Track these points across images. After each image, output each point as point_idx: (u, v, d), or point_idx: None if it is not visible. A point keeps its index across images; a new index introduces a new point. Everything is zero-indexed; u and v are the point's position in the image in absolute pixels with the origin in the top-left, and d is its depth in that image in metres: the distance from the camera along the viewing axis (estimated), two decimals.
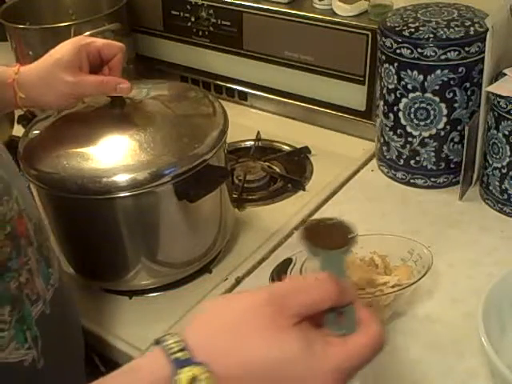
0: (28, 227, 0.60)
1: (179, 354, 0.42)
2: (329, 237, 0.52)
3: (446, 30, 0.92)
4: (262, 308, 0.44)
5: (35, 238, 0.61)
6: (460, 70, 0.92)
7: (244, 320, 0.44)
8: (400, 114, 0.97)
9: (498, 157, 0.91)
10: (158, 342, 0.44)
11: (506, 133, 0.88)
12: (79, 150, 0.78)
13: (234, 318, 0.45)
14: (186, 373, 0.41)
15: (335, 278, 0.46)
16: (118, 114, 0.84)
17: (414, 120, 0.96)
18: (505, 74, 0.91)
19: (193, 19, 1.27)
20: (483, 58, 0.90)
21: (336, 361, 0.43)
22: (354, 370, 0.44)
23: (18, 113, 1.21)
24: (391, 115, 0.99)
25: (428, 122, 0.96)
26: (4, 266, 0.55)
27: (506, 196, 0.92)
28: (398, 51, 0.93)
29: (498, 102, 0.88)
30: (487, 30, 0.87)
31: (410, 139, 0.98)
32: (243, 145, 1.18)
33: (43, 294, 0.61)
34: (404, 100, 0.96)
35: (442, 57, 0.91)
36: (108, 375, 0.44)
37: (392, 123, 0.99)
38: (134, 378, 0.43)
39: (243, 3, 1.20)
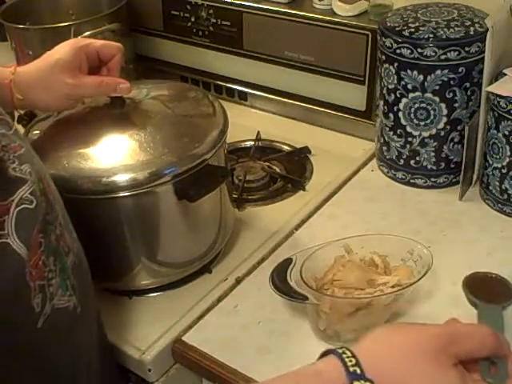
0: (51, 186, 0.64)
1: (355, 368, 0.49)
2: (490, 290, 0.59)
3: (445, 29, 0.92)
4: (430, 344, 0.50)
5: (57, 195, 0.65)
6: (460, 69, 0.92)
7: (412, 351, 0.50)
8: (400, 114, 0.97)
9: (497, 157, 0.91)
10: (331, 352, 0.51)
11: (506, 133, 0.88)
12: (79, 150, 0.78)
13: (404, 346, 0.51)
14: None
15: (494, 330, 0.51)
16: (117, 114, 0.84)
17: (414, 120, 0.96)
18: (505, 74, 0.91)
19: (193, 19, 1.27)
20: (483, 57, 0.90)
21: None
22: None
23: (18, 113, 1.21)
24: (391, 115, 0.99)
25: (428, 121, 0.96)
26: (45, 219, 0.59)
27: (505, 196, 0.92)
28: (398, 51, 0.93)
29: (498, 102, 0.88)
30: (487, 30, 0.87)
31: (410, 139, 0.98)
32: (243, 145, 1.17)
33: (71, 246, 0.65)
34: (404, 100, 0.96)
35: (442, 57, 0.91)
36: (288, 373, 0.51)
37: (392, 123, 0.99)
38: (316, 379, 0.49)
39: (243, 3, 1.20)
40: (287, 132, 1.20)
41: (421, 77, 0.93)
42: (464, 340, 0.51)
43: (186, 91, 0.93)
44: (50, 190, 0.63)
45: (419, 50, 0.91)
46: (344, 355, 0.50)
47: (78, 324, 0.65)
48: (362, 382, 0.48)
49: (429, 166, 0.99)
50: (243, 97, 1.30)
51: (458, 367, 0.50)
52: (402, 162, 1.01)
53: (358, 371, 0.49)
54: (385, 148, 1.03)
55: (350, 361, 0.50)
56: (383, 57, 0.97)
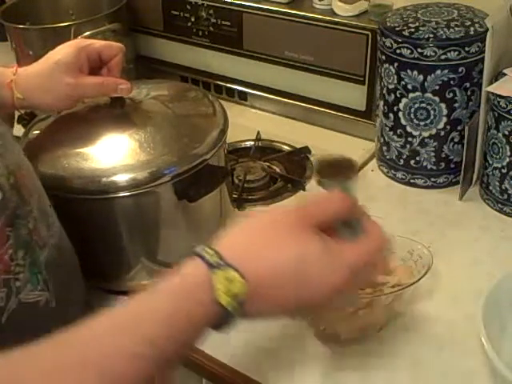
0: (27, 179, 0.64)
1: (215, 259, 0.50)
2: (337, 170, 0.61)
3: (445, 29, 0.92)
4: (287, 217, 0.52)
5: (35, 189, 0.65)
6: (460, 69, 0.92)
7: (272, 227, 0.52)
8: (400, 114, 0.97)
9: (498, 157, 0.91)
10: (194, 253, 0.51)
11: (506, 133, 0.88)
12: (79, 149, 0.78)
13: (263, 226, 0.53)
14: (223, 274, 0.49)
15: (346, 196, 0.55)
16: (117, 114, 0.84)
17: (414, 120, 0.96)
18: (505, 74, 0.91)
19: (193, 19, 1.27)
20: (483, 57, 0.90)
21: (350, 256, 0.53)
22: (364, 265, 0.53)
23: (18, 113, 1.21)
24: (391, 115, 0.99)
25: (428, 122, 0.96)
26: (13, 213, 0.60)
27: (505, 196, 0.92)
28: (397, 51, 0.93)
29: (498, 102, 0.88)
30: (487, 30, 0.87)
31: (410, 139, 0.98)
32: (243, 145, 1.17)
33: (47, 240, 0.65)
34: (404, 100, 0.96)
35: (442, 57, 0.91)
36: (155, 289, 0.50)
37: (392, 123, 0.99)
38: (183, 285, 0.49)
39: (243, 3, 1.20)
40: (287, 132, 1.20)
41: (421, 77, 0.93)
42: (319, 209, 0.54)
43: (186, 91, 0.93)
44: (24, 184, 0.63)
45: (419, 49, 0.91)
46: (203, 252, 0.51)
47: (51, 319, 0.64)
48: (223, 268, 0.49)
49: (429, 166, 0.99)
50: (243, 97, 1.30)
51: (319, 234, 0.52)
52: (401, 161, 1.01)
53: (220, 261, 0.50)
54: (385, 148, 1.03)
55: (209, 253, 0.50)
56: (383, 57, 0.97)
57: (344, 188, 0.57)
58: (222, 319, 0.50)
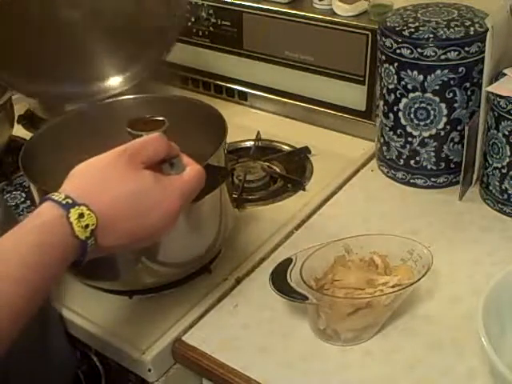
0: None
1: (66, 200, 0.57)
2: (148, 125, 0.70)
3: (445, 29, 0.92)
4: (120, 157, 0.61)
5: None
6: (460, 69, 0.92)
7: (108, 168, 0.61)
8: (400, 114, 0.97)
9: (498, 157, 0.91)
10: (47, 199, 0.58)
11: (506, 133, 0.88)
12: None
13: (100, 168, 0.61)
14: (75, 211, 0.57)
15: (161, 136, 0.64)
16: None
17: (414, 120, 0.96)
18: (505, 74, 0.91)
19: (193, 19, 1.27)
20: (483, 57, 0.90)
21: (179, 185, 0.63)
22: (192, 192, 0.65)
23: (18, 113, 1.21)
24: (391, 115, 0.99)
25: (428, 122, 0.96)
26: None
27: (505, 196, 0.92)
28: (398, 51, 0.93)
29: (498, 102, 0.88)
30: (487, 30, 0.87)
31: (410, 139, 0.98)
32: (243, 145, 1.17)
33: None
34: (404, 100, 0.96)
35: (442, 57, 0.91)
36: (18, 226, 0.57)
37: (392, 123, 0.99)
38: (40, 230, 0.56)
39: (243, 3, 1.20)
40: (287, 132, 1.20)
41: (421, 77, 0.93)
42: (143, 149, 0.62)
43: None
44: None
45: (419, 49, 0.91)
46: (53, 196, 0.58)
47: None
48: (77, 207, 0.57)
49: (429, 166, 0.99)
50: (243, 97, 1.30)
51: (149, 170, 0.62)
52: (401, 161, 1.01)
53: (70, 201, 0.57)
54: (385, 148, 1.03)
55: (60, 197, 0.57)
56: (383, 57, 0.97)
57: None
58: (81, 250, 0.58)
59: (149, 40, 0.88)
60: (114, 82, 0.83)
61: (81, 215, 0.57)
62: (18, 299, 0.54)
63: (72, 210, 0.57)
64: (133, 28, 0.87)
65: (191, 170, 0.66)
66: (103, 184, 0.60)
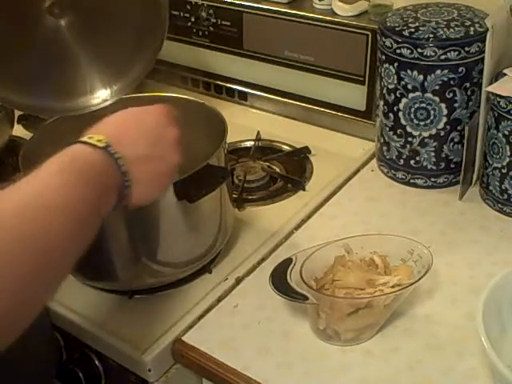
0: None
1: (103, 143, 0.60)
2: None
3: (445, 29, 0.92)
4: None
5: None
6: (460, 69, 0.92)
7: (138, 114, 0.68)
8: (400, 114, 0.97)
9: (498, 157, 0.91)
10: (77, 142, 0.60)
11: (506, 133, 0.88)
12: None
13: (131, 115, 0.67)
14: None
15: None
16: None
17: (414, 120, 0.96)
18: (505, 74, 0.91)
19: (193, 19, 1.27)
20: (483, 57, 0.90)
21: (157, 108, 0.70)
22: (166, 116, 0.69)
23: (18, 113, 1.21)
24: (391, 115, 0.99)
25: (428, 122, 0.96)
26: None
27: (505, 196, 0.92)
28: (398, 51, 0.93)
29: (498, 102, 0.88)
30: (487, 30, 0.87)
31: (409, 139, 0.98)
32: (243, 145, 1.17)
33: None
34: (404, 100, 0.96)
35: (442, 57, 0.91)
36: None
37: (392, 123, 0.99)
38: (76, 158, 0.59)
39: (243, 3, 1.20)
40: (287, 132, 1.20)
41: (421, 77, 0.93)
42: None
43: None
44: None
45: (419, 50, 0.91)
46: (88, 139, 0.60)
47: None
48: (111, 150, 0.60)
49: (429, 166, 0.99)
50: (243, 97, 1.30)
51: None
52: (401, 161, 1.01)
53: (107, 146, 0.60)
54: (385, 148, 1.03)
55: (92, 138, 0.61)
56: (383, 57, 0.97)
57: None
58: (118, 174, 0.61)
59: (135, 53, 0.89)
60: (101, 95, 0.83)
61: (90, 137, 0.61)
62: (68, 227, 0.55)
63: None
64: (119, 40, 0.87)
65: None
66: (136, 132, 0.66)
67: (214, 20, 1.24)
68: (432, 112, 0.95)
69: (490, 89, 0.89)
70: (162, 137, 0.67)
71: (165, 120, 0.69)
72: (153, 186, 0.67)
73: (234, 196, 0.98)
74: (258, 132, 1.18)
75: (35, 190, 0.54)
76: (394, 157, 1.02)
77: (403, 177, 1.02)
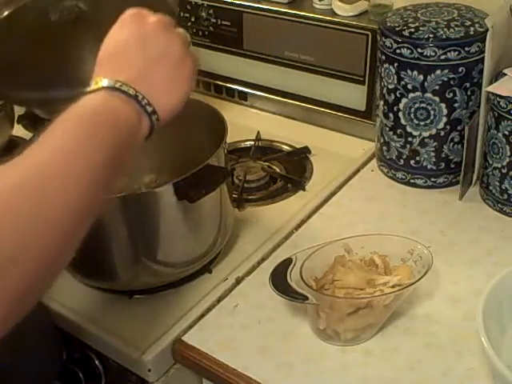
0: None
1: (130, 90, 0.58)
2: None
3: (445, 29, 0.92)
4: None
5: None
6: (460, 69, 0.92)
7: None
8: (400, 114, 0.97)
9: (497, 157, 0.91)
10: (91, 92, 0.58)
11: (506, 133, 0.88)
12: None
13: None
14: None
15: None
16: None
17: (414, 120, 0.96)
18: (505, 74, 0.91)
19: (193, 19, 1.27)
20: (483, 57, 0.90)
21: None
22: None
23: (18, 113, 1.21)
24: (391, 115, 0.99)
25: (428, 121, 0.96)
26: None
27: (505, 196, 0.92)
28: (398, 51, 0.93)
29: (498, 102, 0.88)
30: (487, 30, 0.87)
31: (410, 139, 0.98)
32: (243, 145, 1.17)
33: None
34: (404, 100, 0.96)
35: (442, 57, 0.91)
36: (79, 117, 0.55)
37: (392, 123, 0.99)
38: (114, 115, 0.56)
39: (243, 3, 1.20)
40: (287, 132, 1.20)
41: (421, 77, 0.93)
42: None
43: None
44: None
45: (419, 50, 0.91)
46: (117, 84, 0.58)
47: None
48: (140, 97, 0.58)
49: (429, 166, 0.99)
50: (243, 97, 1.30)
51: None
52: (401, 161, 1.01)
53: (133, 91, 0.58)
54: (385, 148, 1.03)
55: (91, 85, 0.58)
56: (383, 57, 0.97)
57: None
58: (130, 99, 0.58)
59: None
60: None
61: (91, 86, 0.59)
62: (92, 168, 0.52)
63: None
64: None
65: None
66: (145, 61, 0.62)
67: (214, 20, 1.24)
68: (432, 112, 0.95)
69: (490, 89, 0.89)
70: (150, 37, 0.62)
71: (144, 21, 0.64)
72: (174, 92, 0.63)
73: (234, 196, 0.98)
74: (258, 132, 1.18)
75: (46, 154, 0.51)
76: (393, 157, 1.02)
77: (403, 177, 1.02)
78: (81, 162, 0.51)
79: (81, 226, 0.51)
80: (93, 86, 0.58)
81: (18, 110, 1.21)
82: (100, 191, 0.54)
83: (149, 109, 0.59)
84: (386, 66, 0.96)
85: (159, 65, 0.62)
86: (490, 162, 0.93)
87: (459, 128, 0.96)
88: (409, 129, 0.97)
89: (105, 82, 0.58)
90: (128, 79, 0.59)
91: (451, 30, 0.92)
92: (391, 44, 0.94)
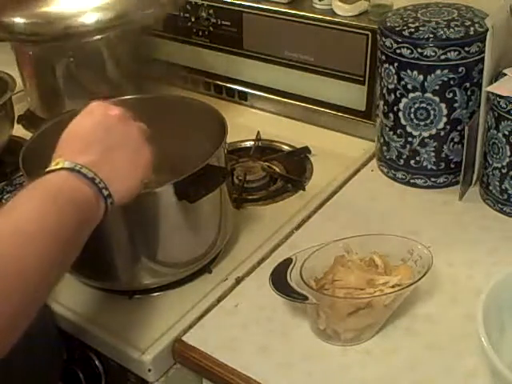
0: None
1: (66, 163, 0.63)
2: None
3: (445, 29, 0.92)
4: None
5: None
6: (460, 69, 0.92)
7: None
8: (400, 114, 0.97)
9: (498, 157, 0.91)
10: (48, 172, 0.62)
11: (506, 133, 0.88)
12: None
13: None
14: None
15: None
16: None
17: (414, 120, 0.96)
18: (505, 74, 0.91)
19: (193, 19, 1.27)
20: (483, 57, 0.90)
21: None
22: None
23: (18, 113, 1.21)
24: (391, 115, 0.99)
25: (428, 122, 0.96)
26: None
27: (505, 196, 0.92)
28: (398, 51, 0.93)
29: (498, 102, 0.88)
30: (487, 30, 0.87)
31: (410, 139, 0.98)
32: (243, 145, 1.17)
33: None
34: (404, 100, 0.96)
35: (442, 57, 0.91)
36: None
37: (392, 123, 0.99)
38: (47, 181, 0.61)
39: (243, 3, 1.20)
40: (287, 132, 1.20)
41: (421, 77, 0.93)
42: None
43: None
44: None
45: (419, 49, 0.91)
46: (54, 165, 0.63)
47: None
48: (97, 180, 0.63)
49: (429, 166, 0.99)
50: (243, 97, 1.30)
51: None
52: (401, 161, 1.01)
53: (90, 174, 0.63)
54: (385, 148, 1.03)
55: (60, 163, 0.63)
56: (383, 57, 0.97)
57: None
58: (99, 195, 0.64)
59: None
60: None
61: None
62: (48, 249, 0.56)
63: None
64: None
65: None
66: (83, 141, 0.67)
67: (214, 20, 1.24)
68: (432, 112, 0.95)
69: (490, 89, 0.89)
70: (112, 127, 0.67)
71: (107, 113, 0.69)
72: (130, 178, 0.68)
73: (234, 196, 0.98)
74: (258, 132, 1.18)
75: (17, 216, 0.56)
76: (394, 157, 1.02)
77: (403, 177, 1.02)
78: (45, 236, 0.57)
79: (33, 301, 0.56)
80: (53, 166, 0.63)
81: (18, 110, 1.21)
82: (57, 267, 0.59)
83: (105, 192, 0.64)
84: (386, 66, 0.96)
85: (118, 152, 0.67)
86: (490, 161, 0.93)
87: (459, 128, 0.96)
88: (409, 129, 0.97)
89: (66, 164, 0.62)
90: (87, 162, 0.63)
91: (451, 30, 0.92)
92: (391, 44, 0.94)
